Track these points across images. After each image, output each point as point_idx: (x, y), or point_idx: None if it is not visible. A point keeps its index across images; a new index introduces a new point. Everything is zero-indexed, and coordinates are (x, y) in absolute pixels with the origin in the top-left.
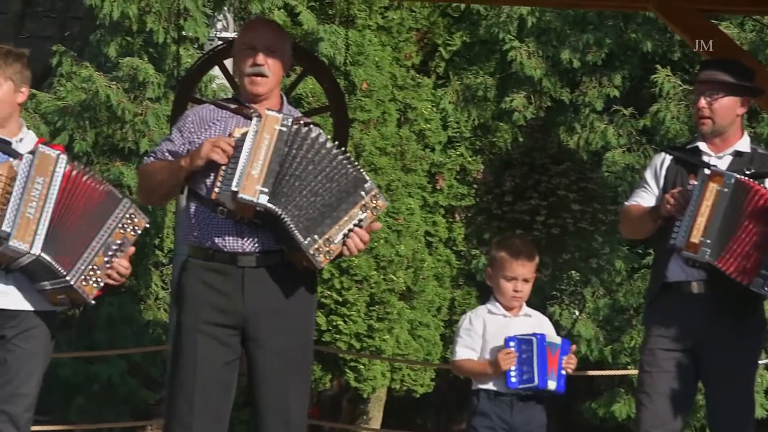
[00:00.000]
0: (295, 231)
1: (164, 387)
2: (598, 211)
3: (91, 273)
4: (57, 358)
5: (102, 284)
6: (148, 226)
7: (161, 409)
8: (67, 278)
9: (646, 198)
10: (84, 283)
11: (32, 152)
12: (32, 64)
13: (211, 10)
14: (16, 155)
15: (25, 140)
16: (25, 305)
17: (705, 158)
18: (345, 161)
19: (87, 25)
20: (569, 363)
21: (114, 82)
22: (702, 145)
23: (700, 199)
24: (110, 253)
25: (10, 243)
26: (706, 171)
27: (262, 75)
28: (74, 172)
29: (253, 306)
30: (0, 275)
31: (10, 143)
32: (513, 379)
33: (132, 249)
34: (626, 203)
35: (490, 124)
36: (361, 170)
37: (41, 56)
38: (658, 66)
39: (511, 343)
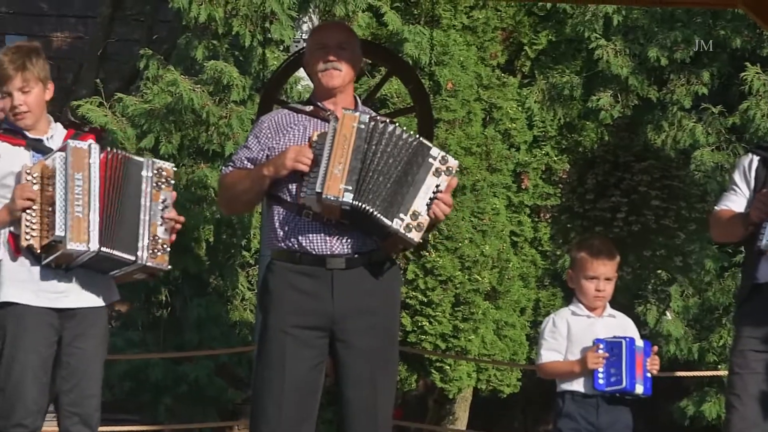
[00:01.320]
0: (381, 217)
1: (250, 387)
2: (682, 209)
3: (155, 245)
4: (146, 359)
5: (168, 248)
6: (176, 169)
7: (246, 409)
8: (138, 261)
9: (736, 201)
10: (153, 257)
11: (63, 149)
12: (121, 67)
13: (296, 12)
14: (48, 152)
15: (55, 135)
16: (82, 303)
17: None
18: (411, 140)
19: (175, 28)
20: (654, 364)
21: (199, 86)
22: None
23: None
24: (160, 216)
25: (69, 246)
26: None
27: (336, 69)
28: (110, 157)
29: (342, 308)
30: (58, 275)
31: (41, 140)
32: (600, 381)
33: (174, 194)
34: (716, 207)
35: (576, 123)
36: (422, 139)
37: (130, 59)
38: (748, 63)
39: (601, 345)
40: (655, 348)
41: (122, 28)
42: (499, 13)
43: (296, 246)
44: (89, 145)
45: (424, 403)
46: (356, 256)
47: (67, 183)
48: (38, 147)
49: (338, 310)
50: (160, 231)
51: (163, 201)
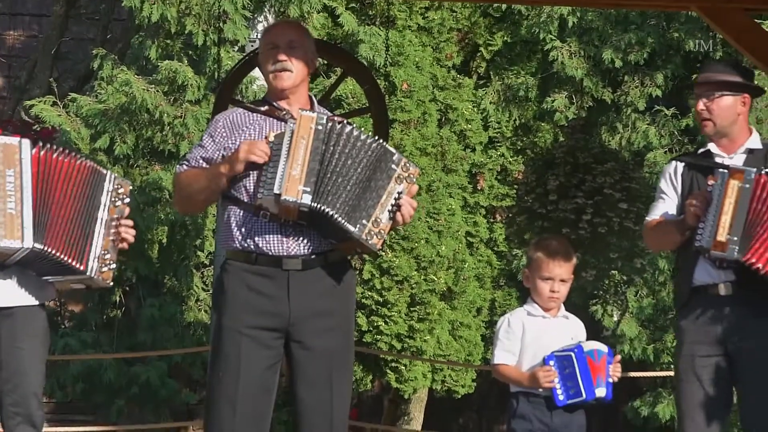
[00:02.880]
0: (344, 222)
1: (205, 388)
2: (641, 211)
3: (106, 259)
4: (99, 360)
5: (114, 263)
6: (131, 187)
7: (201, 410)
8: (87, 274)
9: (665, 208)
10: (102, 270)
11: None
12: (75, 66)
13: (250, 12)
14: None
15: None
16: (17, 301)
17: (718, 159)
18: (374, 143)
19: (129, 27)
20: (615, 372)
21: (153, 86)
22: (713, 147)
23: (722, 197)
24: (113, 231)
25: (1, 243)
26: (725, 169)
27: (285, 69)
28: (42, 153)
29: (299, 309)
30: None
31: None
32: (561, 397)
33: (127, 210)
34: (647, 218)
35: (531, 124)
36: (385, 144)
37: (84, 59)
38: (701, 65)
39: (551, 362)
40: (618, 357)
41: (77, 27)
42: (454, 14)
43: (252, 246)
44: (20, 141)
45: (379, 403)
46: (313, 256)
47: None
48: None
49: (294, 311)
50: (110, 247)
51: (118, 218)
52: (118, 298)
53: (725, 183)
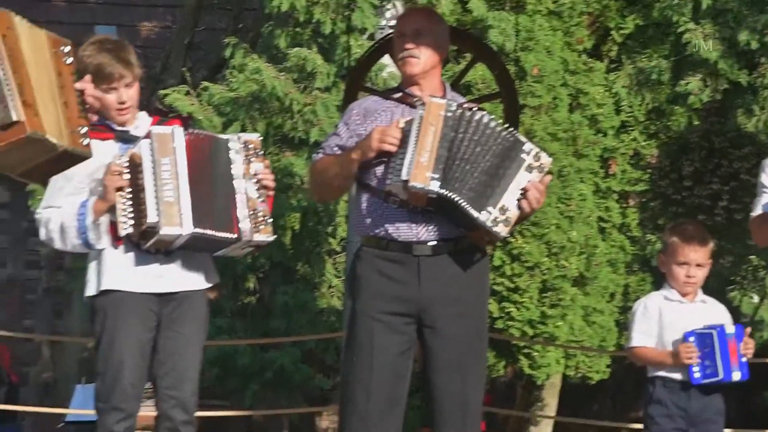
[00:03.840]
0: (469, 208)
1: (338, 374)
2: None
3: (256, 218)
4: (234, 346)
5: (269, 217)
6: (261, 138)
7: (335, 395)
8: (243, 238)
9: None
10: (257, 230)
11: (147, 136)
12: (207, 55)
13: (378, 0)
14: (136, 140)
15: (141, 125)
16: (181, 286)
17: None
18: (504, 132)
19: (260, 17)
20: (747, 348)
21: (283, 74)
22: None
23: None
24: (255, 188)
25: (162, 231)
26: None
27: (412, 56)
28: (192, 138)
29: (429, 294)
30: (157, 259)
31: (128, 131)
32: (696, 374)
33: (267, 162)
34: (752, 214)
35: (664, 108)
36: (517, 133)
37: (216, 48)
38: None
39: (691, 338)
40: (748, 330)
41: (209, 17)
42: None
43: (383, 233)
44: (172, 130)
45: (512, 390)
46: (443, 242)
47: (155, 169)
48: (125, 137)
49: (425, 296)
50: (259, 204)
51: (255, 173)
52: (252, 285)
53: None
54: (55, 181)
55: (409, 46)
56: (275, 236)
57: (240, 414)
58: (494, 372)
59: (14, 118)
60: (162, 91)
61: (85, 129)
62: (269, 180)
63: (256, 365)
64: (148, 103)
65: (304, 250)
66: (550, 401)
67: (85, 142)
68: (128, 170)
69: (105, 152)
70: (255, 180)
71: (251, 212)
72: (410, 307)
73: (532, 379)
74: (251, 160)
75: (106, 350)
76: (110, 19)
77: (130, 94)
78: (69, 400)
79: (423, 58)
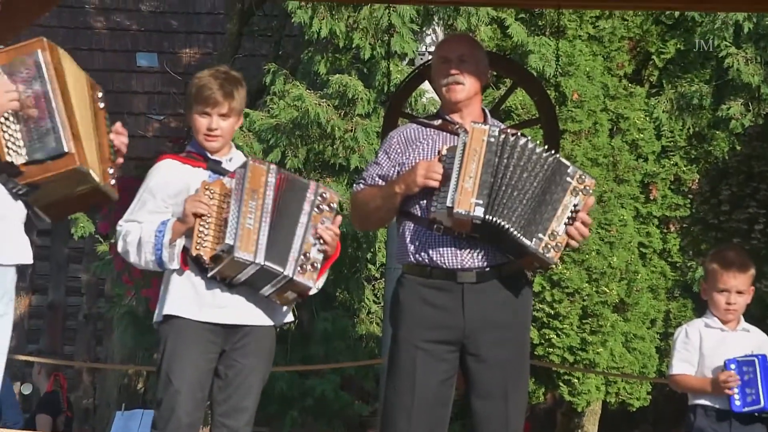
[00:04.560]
0: (520, 236)
1: (378, 400)
2: None
3: (305, 261)
4: (273, 372)
5: (319, 265)
6: (341, 199)
7: (374, 421)
8: (285, 272)
9: None
10: (301, 272)
11: (243, 166)
12: (248, 82)
13: (418, 26)
14: (226, 173)
15: (234, 159)
16: (246, 320)
17: None
18: (548, 156)
19: (300, 43)
20: None
21: (324, 100)
22: None
23: None
24: (316, 236)
25: (236, 254)
26: None
27: (458, 83)
28: (283, 178)
29: (473, 321)
30: (221, 290)
31: (220, 162)
32: (737, 403)
33: (338, 219)
34: None
35: (705, 133)
36: (560, 156)
37: (256, 75)
38: None
39: (732, 366)
40: None
41: (249, 44)
42: (625, 22)
43: (427, 260)
44: (268, 165)
45: (552, 416)
46: (487, 269)
47: (242, 197)
48: (216, 168)
49: (469, 324)
50: (313, 250)
51: (322, 223)
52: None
53: None
54: (140, 196)
55: (454, 72)
56: (318, 288)
57: None
58: (534, 399)
59: (65, 149)
60: None
61: (113, 170)
62: (329, 235)
63: (296, 392)
64: (189, 129)
65: (343, 276)
66: (590, 428)
67: (113, 182)
68: (215, 198)
69: (193, 177)
70: (317, 229)
71: (303, 254)
72: (454, 335)
73: (572, 406)
74: (323, 210)
75: (164, 379)
76: (151, 47)
77: (222, 124)
78: (109, 426)
79: (467, 85)
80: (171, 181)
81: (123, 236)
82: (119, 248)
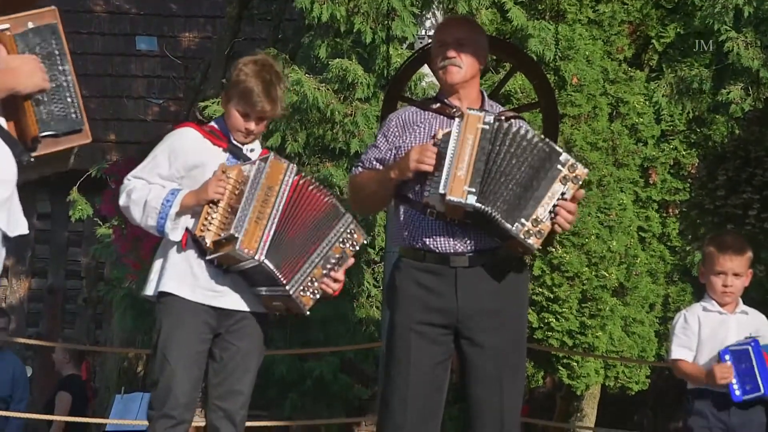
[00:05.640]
0: (502, 220)
1: (377, 384)
2: None
3: (309, 284)
4: (272, 356)
5: (318, 296)
6: (366, 242)
7: (374, 405)
8: (287, 287)
9: None
10: (302, 293)
11: (264, 159)
12: None
13: (419, 9)
14: (246, 161)
15: (255, 150)
16: (241, 305)
17: None
18: (540, 143)
19: (300, 27)
20: None
21: (323, 84)
22: None
23: None
24: (329, 266)
25: (237, 247)
26: None
27: (454, 65)
28: (301, 182)
29: (467, 305)
30: (217, 275)
31: (241, 149)
32: (737, 392)
33: (351, 261)
34: None
35: (705, 117)
36: (553, 144)
37: None
38: None
39: (727, 357)
40: None
41: (249, 28)
42: (625, 6)
43: (420, 244)
44: (288, 165)
45: (551, 400)
46: (479, 254)
47: (256, 190)
48: (237, 153)
49: (462, 308)
50: (319, 278)
51: (339, 258)
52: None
53: None
54: (155, 156)
55: (451, 54)
56: (308, 313)
57: (279, 424)
58: (533, 382)
59: (83, 125)
60: (202, 102)
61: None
62: (339, 272)
63: (295, 375)
64: (188, 113)
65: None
66: (590, 412)
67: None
68: (231, 183)
69: (211, 156)
70: (334, 261)
71: (310, 276)
72: (448, 318)
73: (572, 390)
74: (346, 244)
75: (160, 359)
76: (151, 30)
77: (260, 127)
78: (109, 409)
79: (464, 67)
80: (190, 153)
81: (128, 191)
82: (121, 201)
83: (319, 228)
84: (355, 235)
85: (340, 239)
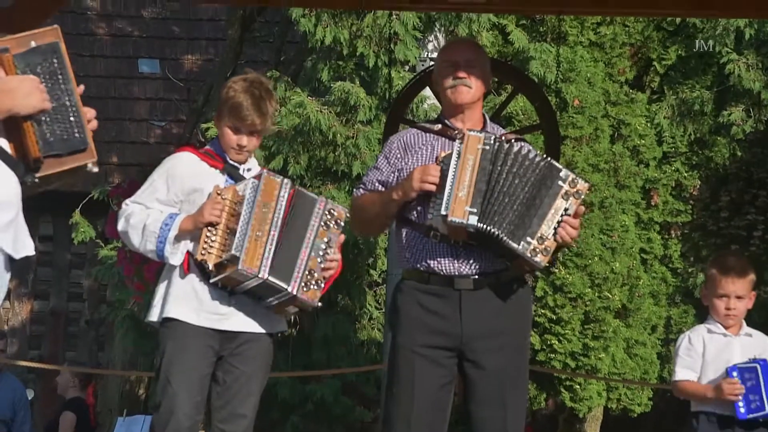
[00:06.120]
0: (508, 240)
1: (379, 406)
2: None
3: (309, 278)
4: (275, 378)
5: (322, 284)
6: (348, 216)
7: (376, 427)
8: (289, 290)
9: None
10: (305, 289)
11: (258, 177)
12: None
13: (420, 33)
14: (241, 179)
15: (252, 170)
16: (245, 327)
17: None
18: (541, 161)
19: (302, 49)
20: None
21: (326, 107)
22: None
23: None
24: (321, 253)
25: (239, 267)
26: None
27: (465, 86)
28: (295, 193)
29: (471, 328)
30: (222, 298)
31: (238, 169)
32: (742, 410)
33: (342, 238)
34: None
35: (707, 139)
36: (553, 161)
37: None
38: None
39: (734, 373)
40: None
41: (251, 50)
42: (627, 28)
43: (424, 266)
44: (282, 180)
45: (554, 422)
46: (484, 276)
47: (253, 209)
48: (233, 173)
49: (467, 330)
50: (317, 268)
51: (327, 241)
52: (292, 317)
53: None
54: (153, 181)
55: (461, 74)
56: (320, 303)
57: None
58: (536, 404)
59: (88, 144)
60: (204, 125)
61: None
62: (333, 252)
63: (297, 397)
64: (191, 135)
65: (345, 282)
66: None
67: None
68: (224, 203)
69: (208, 178)
70: (324, 246)
71: (307, 271)
72: (451, 341)
73: (574, 412)
74: (329, 226)
75: (163, 382)
76: (153, 53)
77: (253, 141)
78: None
79: (474, 88)
80: (187, 178)
81: (126, 216)
82: (119, 227)
83: (299, 219)
84: (335, 213)
85: (323, 223)
